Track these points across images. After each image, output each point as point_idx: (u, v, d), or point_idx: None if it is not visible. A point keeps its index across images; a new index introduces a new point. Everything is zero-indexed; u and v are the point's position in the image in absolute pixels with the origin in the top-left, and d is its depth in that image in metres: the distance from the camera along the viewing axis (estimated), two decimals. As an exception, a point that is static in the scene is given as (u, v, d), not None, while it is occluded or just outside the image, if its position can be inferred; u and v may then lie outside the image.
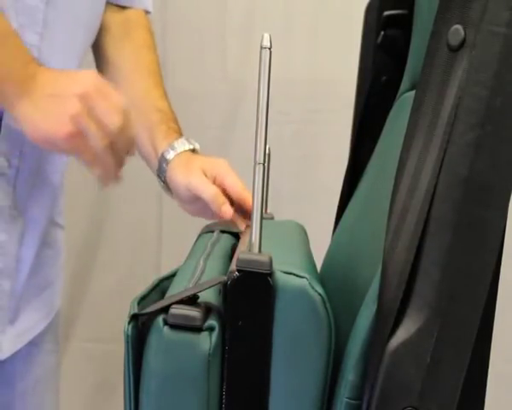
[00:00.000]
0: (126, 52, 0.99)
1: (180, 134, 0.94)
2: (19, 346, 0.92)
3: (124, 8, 1.00)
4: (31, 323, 0.94)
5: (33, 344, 0.95)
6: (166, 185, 0.92)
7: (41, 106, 0.75)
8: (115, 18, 0.99)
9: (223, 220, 0.89)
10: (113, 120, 0.77)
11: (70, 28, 0.89)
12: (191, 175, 0.88)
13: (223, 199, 0.86)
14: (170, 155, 0.92)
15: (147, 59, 1.01)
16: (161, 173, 0.92)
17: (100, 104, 0.76)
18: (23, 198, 0.87)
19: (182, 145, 0.93)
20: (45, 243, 0.95)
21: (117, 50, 0.99)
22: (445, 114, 0.51)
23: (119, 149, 0.79)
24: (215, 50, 1.59)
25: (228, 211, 0.86)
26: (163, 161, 0.91)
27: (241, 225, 0.87)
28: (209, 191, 0.86)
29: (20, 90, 0.75)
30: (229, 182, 0.88)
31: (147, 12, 1.04)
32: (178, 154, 0.92)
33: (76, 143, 0.75)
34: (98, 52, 0.99)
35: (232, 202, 0.88)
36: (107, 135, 0.77)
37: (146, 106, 0.97)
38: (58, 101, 0.76)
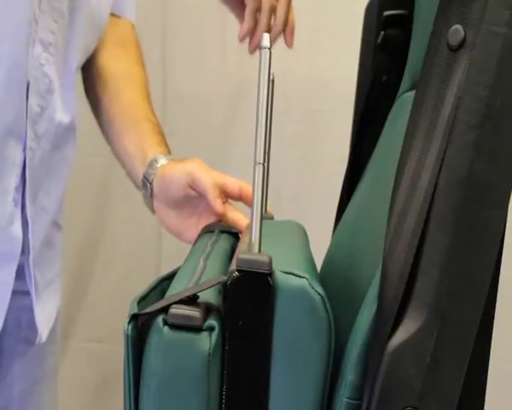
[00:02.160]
0: (121, 63, 1.02)
1: (170, 151, 0.96)
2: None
3: (114, 16, 1.01)
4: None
5: (32, 345, 0.95)
6: (151, 190, 0.93)
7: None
8: (109, 26, 1.00)
9: (221, 221, 0.89)
10: None
11: (82, 21, 0.91)
12: (190, 164, 0.91)
13: (218, 193, 0.88)
14: (163, 160, 0.93)
15: (139, 75, 1.03)
16: (149, 174, 0.93)
17: None
18: (35, 184, 0.88)
19: (174, 157, 0.95)
20: (45, 243, 0.95)
21: (111, 59, 1.00)
22: (445, 114, 0.51)
23: (278, 16, 0.82)
24: (215, 50, 1.59)
25: (221, 205, 0.88)
26: (154, 162, 0.93)
27: (234, 215, 0.88)
28: (209, 179, 0.88)
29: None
30: (230, 179, 0.89)
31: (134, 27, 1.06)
32: (172, 158, 0.94)
33: None
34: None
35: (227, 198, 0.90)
36: None
37: (138, 114, 0.99)
38: None
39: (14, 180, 0.85)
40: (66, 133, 0.92)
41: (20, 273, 0.88)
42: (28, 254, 0.89)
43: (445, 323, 0.51)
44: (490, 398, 0.60)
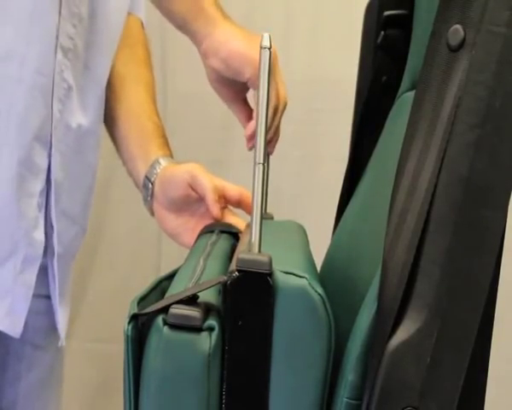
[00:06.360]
0: (128, 64, 1.02)
1: (172, 155, 0.96)
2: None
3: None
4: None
5: (38, 346, 0.96)
6: (152, 190, 0.93)
7: (239, 33, 0.85)
8: None
9: (221, 221, 0.90)
10: (285, 90, 0.86)
11: (102, 25, 0.92)
12: (191, 164, 0.91)
13: (217, 197, 0.88)
14: (165, 162, 0.93)
15: (146, 76, 1.03)
16: (152, 174, 0.93)
17: (279, 68, 0.86)
18: (58, 188, 0.88)
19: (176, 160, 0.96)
20: (72, 252, 0.98)
21: (119, 59, 1.00)
22: (445, 114, 0.51)
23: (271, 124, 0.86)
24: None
25: (218, 210, 0.88)
26: (157, 163, 0.93)
27: (232, 220, 0.88)
28: (209, 181, 0.88)
29: (217, 13, 0.86)
30: (230, 185, 0.90)
31: (142, 25, 1.06)
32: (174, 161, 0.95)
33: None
34: None
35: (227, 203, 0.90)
36: (279, 97, 0.85)
37: (142, 115, 0.99)
38: (252, 36, 0.85)
39: (39, 185, 0.86)
40: (86, 137, 0.92)
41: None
42: (52, 256, 0.89)
43: (444, 323, 0.51)
44: (490, 398, 0.60)
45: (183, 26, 0.88)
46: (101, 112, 0.95)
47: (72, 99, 0.88)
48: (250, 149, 0.88)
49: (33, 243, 0.86)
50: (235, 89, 0.89)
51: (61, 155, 0.88)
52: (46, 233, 0.88)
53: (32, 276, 0.87)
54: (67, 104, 0.88)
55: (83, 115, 0.91)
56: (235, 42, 0.86)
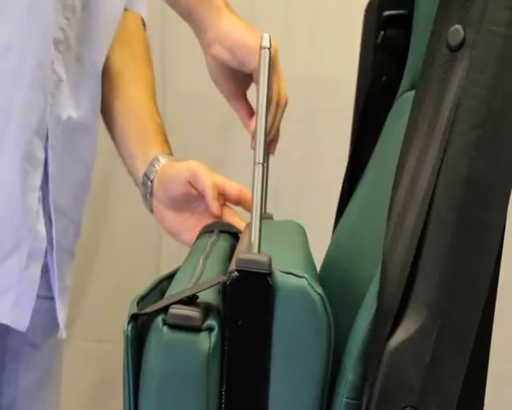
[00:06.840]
0: (127, 62, 1.01)
1: (171, 153, 0.96)
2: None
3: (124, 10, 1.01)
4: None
5: (36, 346, 0.96)
6: (151, 188, 0.93)
7: (242, 24, 0.86)
8: None
9: (221, 221, 0.89)
10: (285, 88, 0.86)
11: (97, 18, 0.92)
12: (191, 161, 0.91)
13: (217, 194, 0.88)
14: (165, 159, 0.93)
15: (146, 74, 1.03)
16: (151, 172, 0.93)
17: (280, 65, 0.86)
18: (50, 182, 0.88)
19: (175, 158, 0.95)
20: (69, 250, 0.97)
21: (118, 57, 1.00)
22: (445, 113, 0.51)
23: (274, 123, 0.86)
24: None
25: (218, 207, 0.88)
26: (156, 160, 0.93)
27: (232, 219, 0.88)
28: (209, 178, 0.88)
29: (222, 2, 0.87)
30: (230, 182, 0.89)
31: (143, 22, 1.06)
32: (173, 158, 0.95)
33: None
34: None
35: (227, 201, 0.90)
36: (280, 95, 0.85)
37: (143, 112, 0.99)
38: (253, 29, 0.86)
39: (39, 178, 0.86)
40: (77, 130, 0.92)
41: None
42: (51, 250, 0.90)
43: (444, 323, 0.51)
44: (490, 398, 0.60)
45: (187, 15, 0.88)
46: (96, 105, 0.95)
47: (62, 91, 0.88)
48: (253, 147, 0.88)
49: (37, 238, 0.86)
50: (237, 82, 0.89)
51: (52, 148, 0.88)
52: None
53: (36, 271, 0.87)
54: (57, 96, 0.88)
55: (74, 108, 0.90)
56: (240, 32, 0.86)
